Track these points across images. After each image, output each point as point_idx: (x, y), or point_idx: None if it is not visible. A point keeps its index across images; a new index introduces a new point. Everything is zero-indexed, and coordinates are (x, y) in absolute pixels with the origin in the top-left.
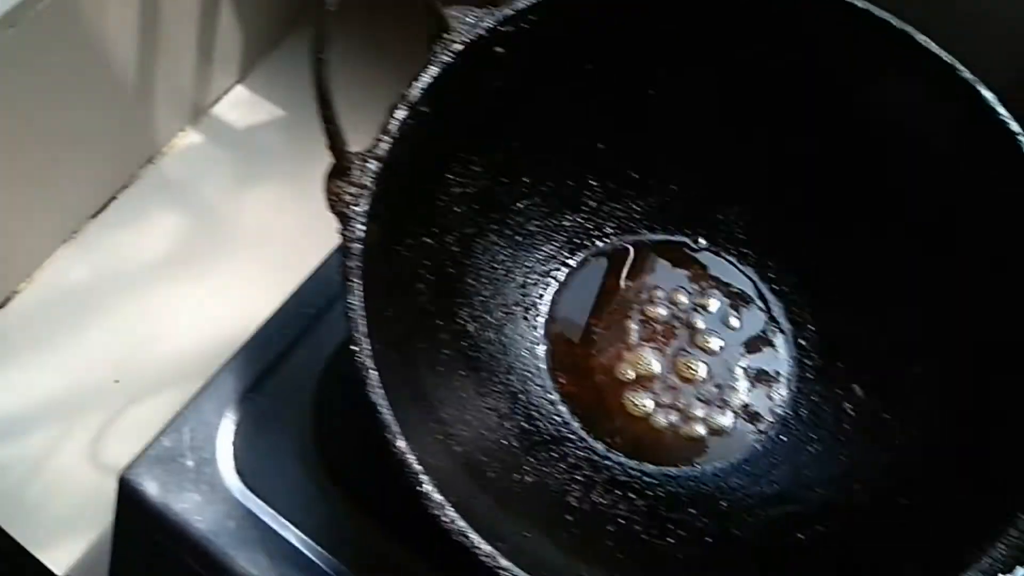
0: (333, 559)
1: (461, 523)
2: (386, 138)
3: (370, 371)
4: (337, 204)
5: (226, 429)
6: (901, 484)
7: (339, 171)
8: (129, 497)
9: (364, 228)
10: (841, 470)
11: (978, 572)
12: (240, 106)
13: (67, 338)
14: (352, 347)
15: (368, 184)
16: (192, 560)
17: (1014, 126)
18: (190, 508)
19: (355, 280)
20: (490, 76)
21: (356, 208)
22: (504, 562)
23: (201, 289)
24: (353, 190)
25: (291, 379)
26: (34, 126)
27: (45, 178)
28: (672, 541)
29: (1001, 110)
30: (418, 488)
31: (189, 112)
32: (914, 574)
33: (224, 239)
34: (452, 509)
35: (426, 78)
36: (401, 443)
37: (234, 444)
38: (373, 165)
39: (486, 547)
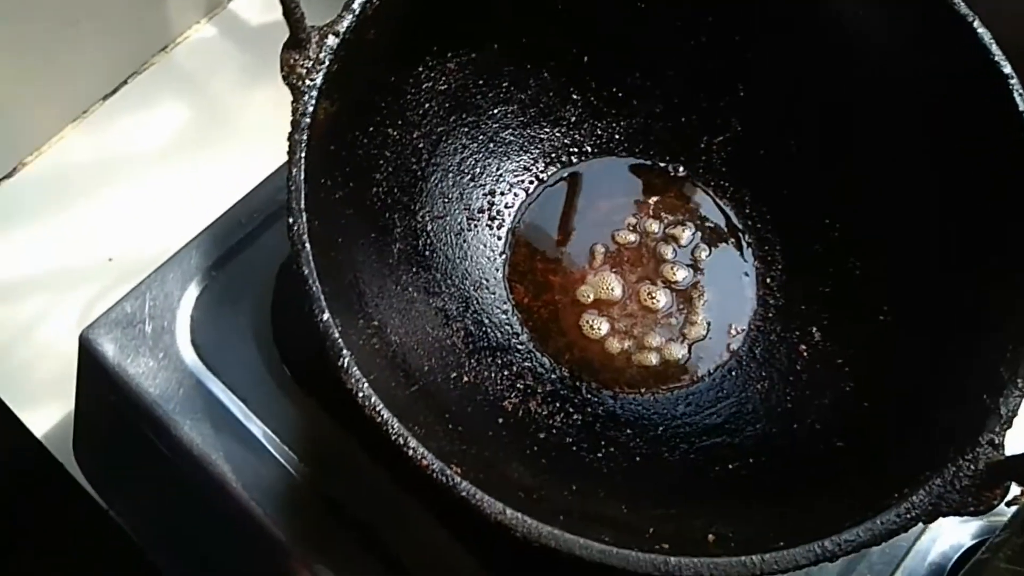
0: (275, 437)
1: (375, 399)
2: (348, 14)
3: (305, 244)
4: (290, 76)
5: (187, 302)
6: (840, 428)
7: (295, 43)
8: (88, 355)
9: (314, 103)
10: (784, 410)
11: (897, 516)
12: (257, 3)
13: (67, 213)
14: (289, 219)
15: (324, 59)
16: (142, 423)
17: (1007, 68)
18: (144, 372)
19: (300, 154)
20: None
21: (309, 82)
22: (413, 442)
23: (200, 178)
24: (308, 63)
25: (255, 261)
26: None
27: (59, 52)
28: (600, 456)
29: (996, 50)
30: (338, 363)
31: (206, 5)
32: (834, 512)
33: (226, 132)
34: (368, 386)
35: None
36: (326, 316)
37: (192, 317)
38: (331, 40)
39: (397, 425)
